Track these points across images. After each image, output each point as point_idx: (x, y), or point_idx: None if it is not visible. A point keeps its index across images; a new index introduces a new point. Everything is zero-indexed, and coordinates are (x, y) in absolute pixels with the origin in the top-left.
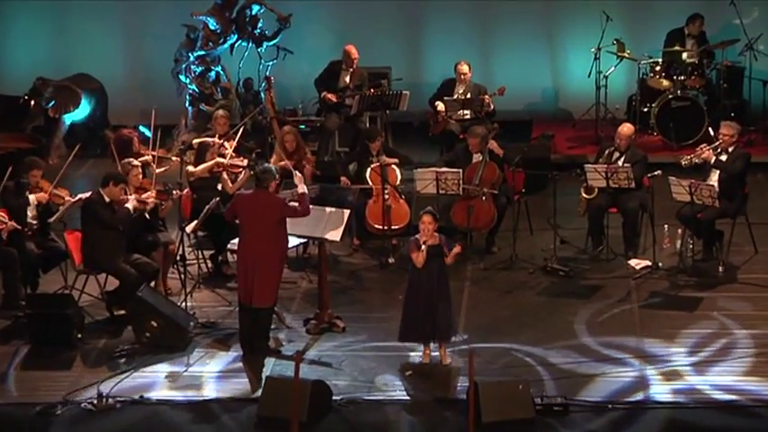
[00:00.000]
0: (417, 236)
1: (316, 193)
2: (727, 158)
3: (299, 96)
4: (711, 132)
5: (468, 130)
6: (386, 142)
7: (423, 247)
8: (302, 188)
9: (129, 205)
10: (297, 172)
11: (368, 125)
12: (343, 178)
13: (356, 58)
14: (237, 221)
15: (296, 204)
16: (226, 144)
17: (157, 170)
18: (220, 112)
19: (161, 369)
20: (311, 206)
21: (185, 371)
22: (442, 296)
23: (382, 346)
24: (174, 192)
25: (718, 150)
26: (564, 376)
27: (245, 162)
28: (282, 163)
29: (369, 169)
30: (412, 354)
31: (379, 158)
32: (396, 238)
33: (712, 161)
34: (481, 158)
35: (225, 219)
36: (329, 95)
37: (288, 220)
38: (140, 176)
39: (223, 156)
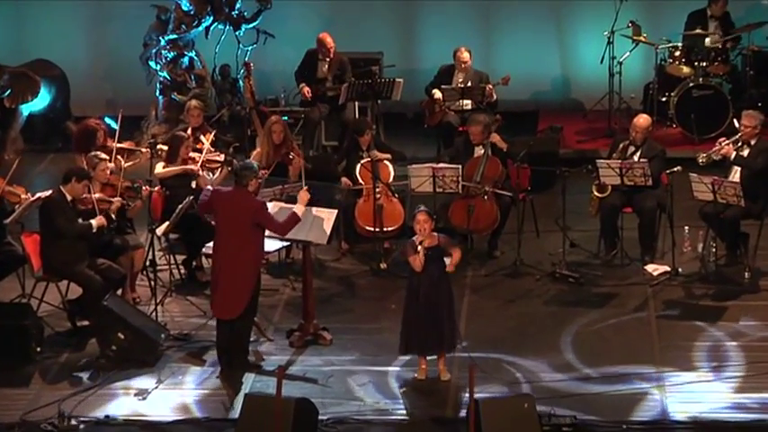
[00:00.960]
0: (414, 238)
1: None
2: (749, 153)
3: (281, 84)
4: (737, 124)
5: (468, 119)
6: (377, 135)
7: (419, 248)
8: (299, 209)
9: (94, 222)
10: (306, 194)
11: (356, 116)
12: (344, 179)
13: (332, 47)
14: (213, 222)
15: (278, 209)
16: (202, 138)
17: (126, 164)
18: (194, 102)
19: (129, 386)
20: (292, 206)
21: (156, 388)
22: (444, 302)
23: (374, 360)
24: (144, 189)
25: (739, 144)
26: (574, 393)
27: (223, 157)
28: (262, 172)
29: (358, 166)
30: (406, 369)
31: (370, 153)
32: (388, 240)
33: (732, 157)
34: (483, 152)
35: (198, 213)
36: (305, 90)
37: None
38: (108, 171)
39: (199, 151)
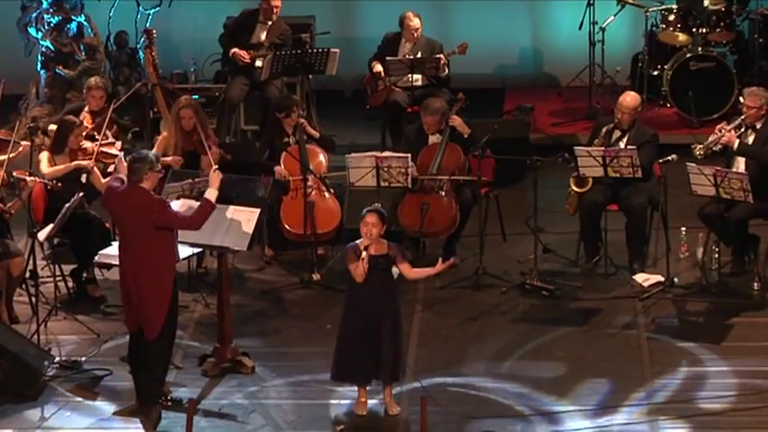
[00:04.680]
0: (358, 242)
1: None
2: (755, 140)
3: (190, 56)
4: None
5: (421, 106)
6: (309, 118)
7: (363, 254)
8: (211, 193)
9: None
10: (218, 172)
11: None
12: (277, 168)
13: (277, 8)
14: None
15: (187, 207)
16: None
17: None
18: (96, 80)
19: (4, 426)
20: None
21: (38, 428)
22: (387, 321)
23: (305, 392)
24: (29, 180)
25: (743, 130)
26: (549, 430)
27: (120, 146)
28: (169, 159)
29: (283, 154)
30: (344, 401)
31: (298, 125)
32: (322, 246)
33: (735, 146)
34: (440, 139)
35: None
36: (240, 52)
37: None
38: None
39: (93, 139)
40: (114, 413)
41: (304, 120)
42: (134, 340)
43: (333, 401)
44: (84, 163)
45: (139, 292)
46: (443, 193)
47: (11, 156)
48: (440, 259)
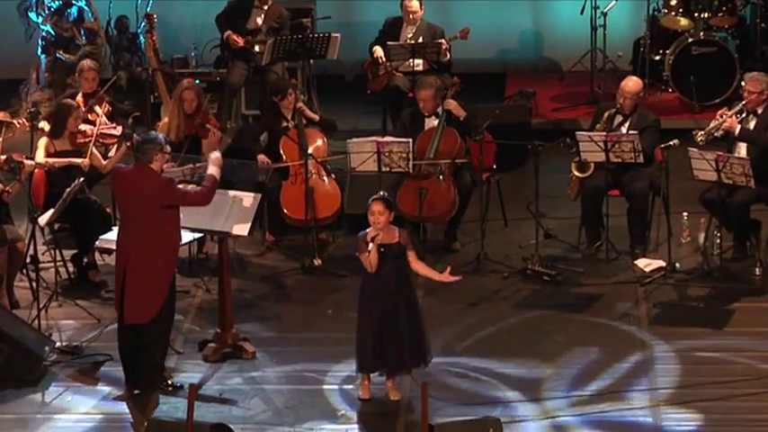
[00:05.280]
0: (367, 231)
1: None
2: (757, 125)
3: (190, 40)
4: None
5: (417, 83)
6: (309, 103)
7: (370, 246)
8: (213, 170)
9: None
10: (217, 153)
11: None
12: (260, 156)
13: None
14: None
15: (190, 188)
16: (96, 108)
17: None
18: (88, 62)
19: (5, 411)
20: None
21: (39, 413)
22: (404, 309)
23: (305, 377)
24: (27, 163)
25: (744, 115)
26: (549, 415)
27: (120, 130)
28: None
29: (282, 138)
30: (346, 387)
31: (297, 109)
32: (323, 231)
33: (737, 132)
34: (437, 123)
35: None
36: (234, 36)
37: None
38: None
39: (91, 122)
40: (115, 398)
41: (302, 103)
42: (127, 326)
43: (334, 386)
44: (78, 161)
45: (140, 273)
46: (442, 178)
47: (8, 135)
48: (447, 271)
